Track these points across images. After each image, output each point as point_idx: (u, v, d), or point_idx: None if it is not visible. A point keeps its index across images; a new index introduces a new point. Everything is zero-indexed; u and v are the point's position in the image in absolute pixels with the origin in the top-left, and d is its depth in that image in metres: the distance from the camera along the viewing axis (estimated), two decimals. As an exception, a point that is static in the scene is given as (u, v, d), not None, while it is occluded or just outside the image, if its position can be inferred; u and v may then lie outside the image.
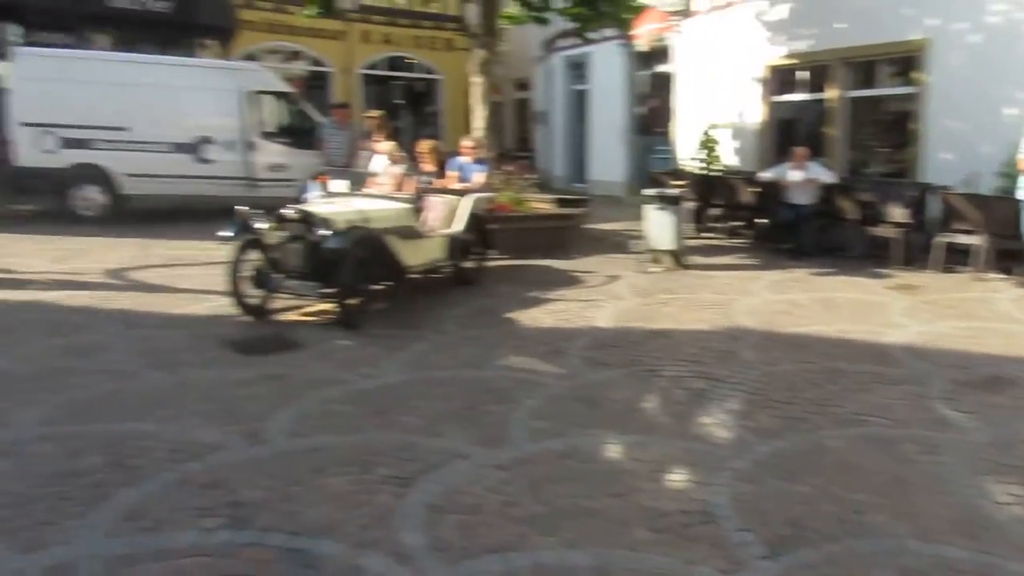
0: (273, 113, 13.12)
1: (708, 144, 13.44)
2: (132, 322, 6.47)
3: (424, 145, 9.08)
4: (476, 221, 8.42)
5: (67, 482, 3.52)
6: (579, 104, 18.73)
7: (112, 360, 5.43)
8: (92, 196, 11.71)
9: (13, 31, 14.93)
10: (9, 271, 8.11)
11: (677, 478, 3.91)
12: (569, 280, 8.73)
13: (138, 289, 7.77)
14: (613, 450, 4.22)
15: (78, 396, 4.70)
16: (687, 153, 14.04)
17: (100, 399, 4.68)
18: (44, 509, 3.27)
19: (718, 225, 12.04)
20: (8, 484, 3.50)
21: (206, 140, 11.99)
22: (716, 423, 4.65)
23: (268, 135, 12.58)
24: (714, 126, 13.48)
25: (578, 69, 18.54)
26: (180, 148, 11.87)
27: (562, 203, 11.88)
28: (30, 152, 11.22)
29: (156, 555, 2.97)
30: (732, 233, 11.78)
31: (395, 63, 21.35)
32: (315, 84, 19.87)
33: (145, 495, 3.43)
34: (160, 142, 11.77)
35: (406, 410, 4.63)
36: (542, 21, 11.91)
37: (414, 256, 7.23)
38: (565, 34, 16.86)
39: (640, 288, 8.31)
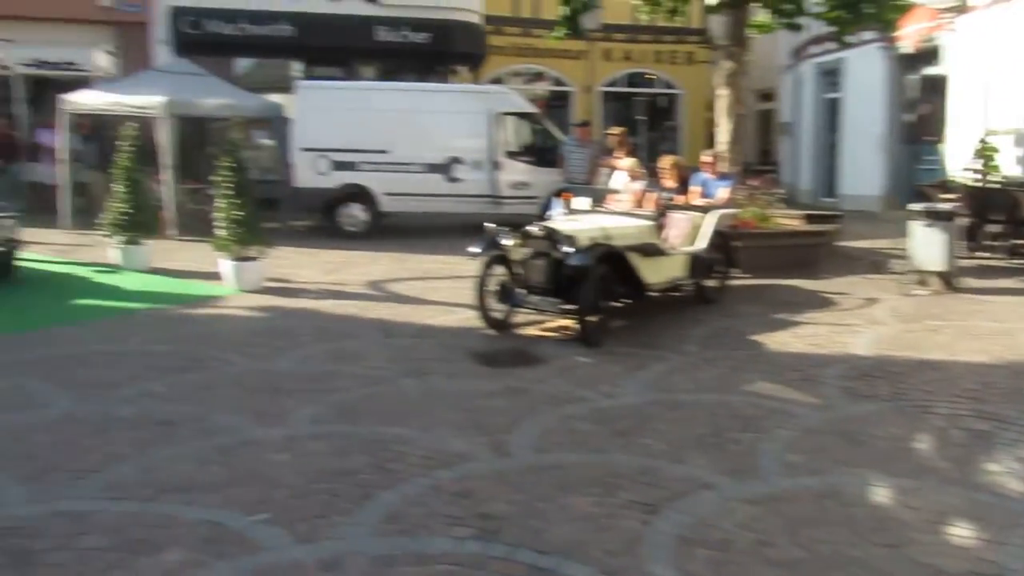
0: (517, 133, 13.61)
1: (986, 152, 11.93)
2: (389, 331, 6.94)
3: (665, 161, 8.93)
4: (719, 238, 8.11)
5: (336, 480, 3.80)
6: (830, 113, 17.55)
7: (371, 366, 5.85)
8: (356, 213, 12.81)
9: (295, 67, 16.89)
10: (287, 281, 9.06)
11: (960, 532, 3.43)
12: (820, 302, 8.13)
13: (394, 300, 8.34)
14: (880, 494, 3.81)
15: (343, 398, 5.10)
16: (959, 163, 12.59)
17: (362, 402, 5.04)
18: (318, 504, 3.55)
19: (996, 244, 10.62)
20: (288, 477, 3.85)
21: (456, 160, 12.69)
22: (1005, 471, 4.05)
23: (512, 154, 13.05)
24: (993, 132, 11.96)
25: (830, 76, 17.39)
26: (432, 168, 12.66)
27: (811, 219, 11.15)
28: (306, 174, 12.54)
29: (414, 559, 3.10)
30: (1013, 253, 10.35)
31: (634, 79, 21.36)
32: (556, 103, 20.41)
33: (402, 499, 3.61)
34: (415, 163, 12.64)
35: (647, 432, 4.51)
36: (795, 28, 11.28)
37: (655, 274, 7.10)
38: (817, 40, 15.90)
39: (903, 313, 7.54)
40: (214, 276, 8.73)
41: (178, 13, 15.61)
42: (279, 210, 12.97)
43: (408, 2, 16.13)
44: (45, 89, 15.76)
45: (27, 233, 9.33)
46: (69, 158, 12.49)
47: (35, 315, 7.38)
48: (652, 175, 8.73)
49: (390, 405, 4.99)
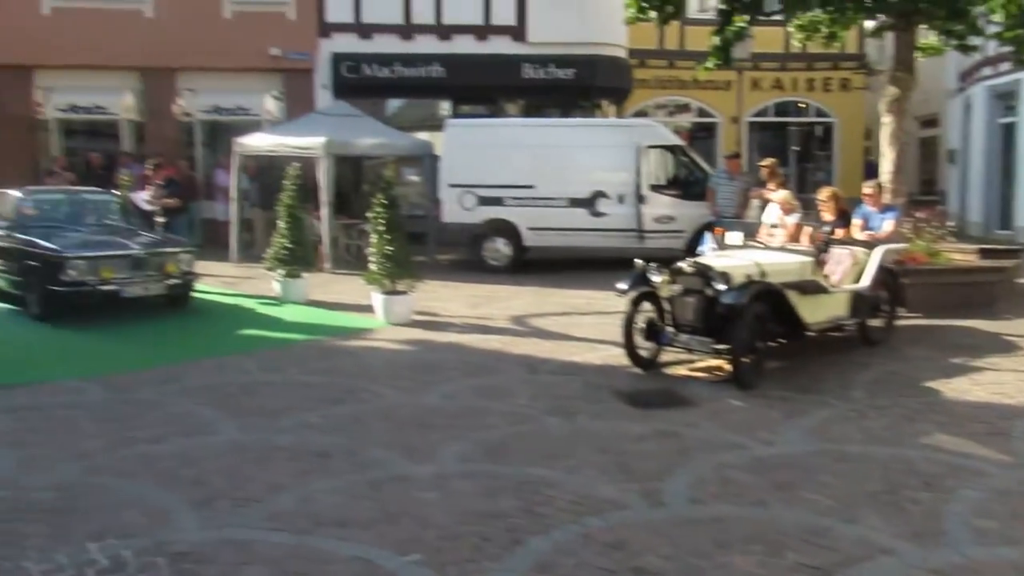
0: (662, 166, 13.40)
1: None
2: (533, 367, 6.90)
3: (824, 192, 8.46)
4: (885, 275, 7.58)
5: (485, 522, 3.75)
6: (1005, 139, 16.20)
7: (517, 403, 5.81)
8: (499, 248, 12.98)
9: (444, 106, 17.47)
10: (434, 314, 9.25)
11: None
12: (1001, 345, 7.41)
13: (537, 336, 8.31)
14: (1095, 572, 3.34)
15: (490, 436, 5.07)
16: None
17: (508, 441, 5.00)
18: (468, 547, 3.51)
19: None
20: (437, 516, 3.83)
21: (600, 194, 12.61)
22: None
23: (657, 188, 12.85)
24: None
25: (1005, 99, 16.09)
26: (576, 203, 12.64)
27: (986, 253, 10.24)
28: (453, 210, 12.85)
29: (565, 612, 2.99)
30: None
31: (784, 108, 20.60)
32: (701, 135, 19.99)
33: (553, 546, 3.51)
34: (559, 197, 12.67)
35: (813, 486, 4.19)
36: (968, 49, 10.51)
37: (815, 313, 6.69)
38: (990, 61, 14.77)
39: (1107, 361, 6.73)
40: (366, 309, 9.04)
41: (338, 59, 16.54)
42: (426, 244, 13.36)
43: (554, 39, 16.32)
44: (220, 133, 17.12)
45: (201, 266, 10.03)
46: (238, 197, 13.45)
47: (206, 344, 7.88)
48: (805, 207, 8.30)
49: (536, 445, 4.92)
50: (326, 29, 16.67)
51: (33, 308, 8.61)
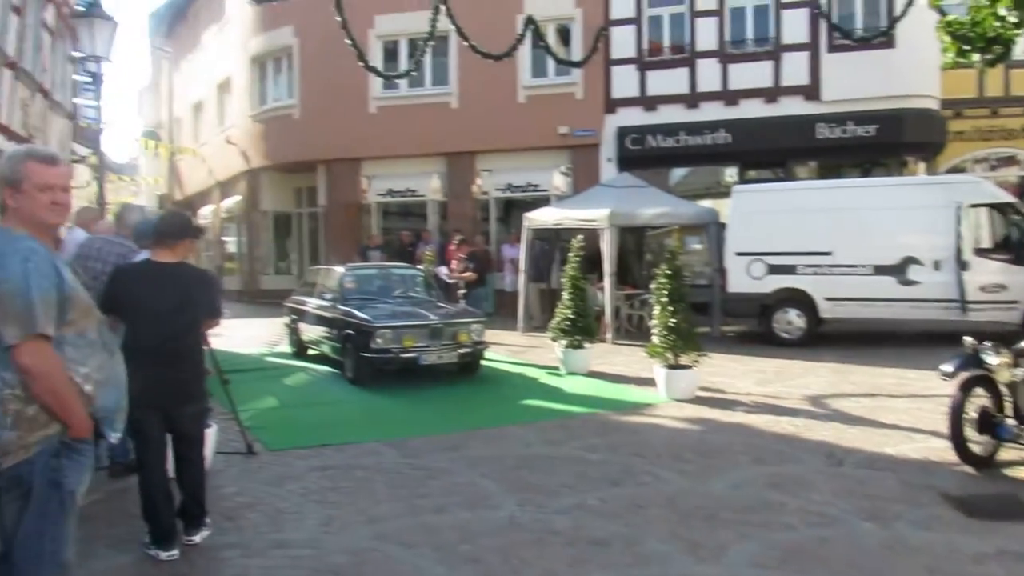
0: (989, 227, 11.68)
1: None
2: (835, 457, 6.11)
3: None
4: None
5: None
6: None
7: (817, 500, 5.12)
8: (792, 319, 12.06)
9: (728, 172, 16.94)
10: (720, 391, 8.71)
11: None
12: None
13: (838, 419, 7.42)
14: None
15: (787, 538, 4.48)
16: None
17: (809, 546, 4.37)
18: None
19: None
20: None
21: (911, 260, 11.25)
22: None
23: (984, 251, 11.19)
24: None
25: None
26: (882, 270, 11.40)
27: None
28: (740, 279, 12.22)
29: None
30: None
31: None
32: (1035, 190, 17.27)
33: None
34: (862, 264, 11.52)
35: None
36: None
37: None
38: None
39: None
40: (647, 382, 8.77)
41: (623, 132, 16.83)
42: (711, 315, 12.82)
43: (853, 95, 15.19)
44: (511, 209, 18.17)
45: (489, 335, 10.48)
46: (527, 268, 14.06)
47: (492, 412, 8.08)
48: None
49: (845, 554, 4.23)
50: (612, 105, 17.09)
51: (349, 372, 9.52)
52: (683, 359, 8.35)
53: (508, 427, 7.34)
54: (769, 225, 12.00)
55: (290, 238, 23.36)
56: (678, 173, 17.50)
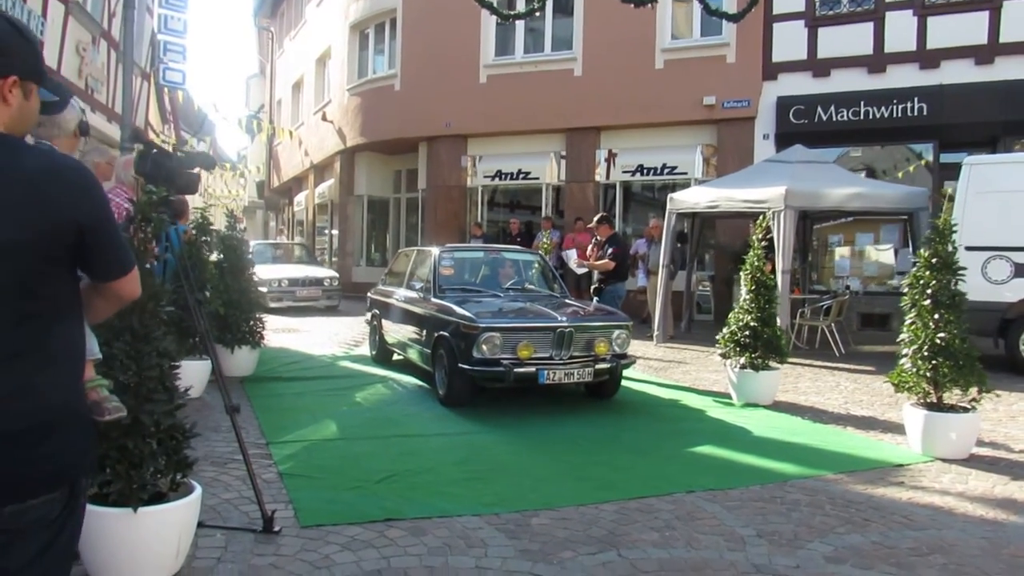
0: None
1: None
2: None
3: None
4: None
5: None
6: None
7: None
8: (1043, 340, 8.77)
9: (925, 150, 13.57)
10: (1003, 446, 5.71)
11: None
12: None
13: None
14: None
15: None
16: None
17: None
18: None
19: None
20: None
21: None
22: None
23: None
24: None
25: None
26: None
27: None
28: (973, 283, 8.86)
29: None
30: None
31: None
32: None
33: None
34: None
35: None
36: None
37: None
38: None
39: None
40: (867, 424, 5.96)
41: (786, 104, 13.72)
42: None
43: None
44: (639, 195, 15.39)
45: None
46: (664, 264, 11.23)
47: (655, 469, 5.25)
48: None
49: None
50: (772, 70, 14.00)
51: (440, 388, 6.96)
52: (950, 396, 5.38)
53: (686, 496, 4.54)
54: (1016, 209, 8.76)
55: (386, 226, 21.23)
56: (848, 153, 14.23)
